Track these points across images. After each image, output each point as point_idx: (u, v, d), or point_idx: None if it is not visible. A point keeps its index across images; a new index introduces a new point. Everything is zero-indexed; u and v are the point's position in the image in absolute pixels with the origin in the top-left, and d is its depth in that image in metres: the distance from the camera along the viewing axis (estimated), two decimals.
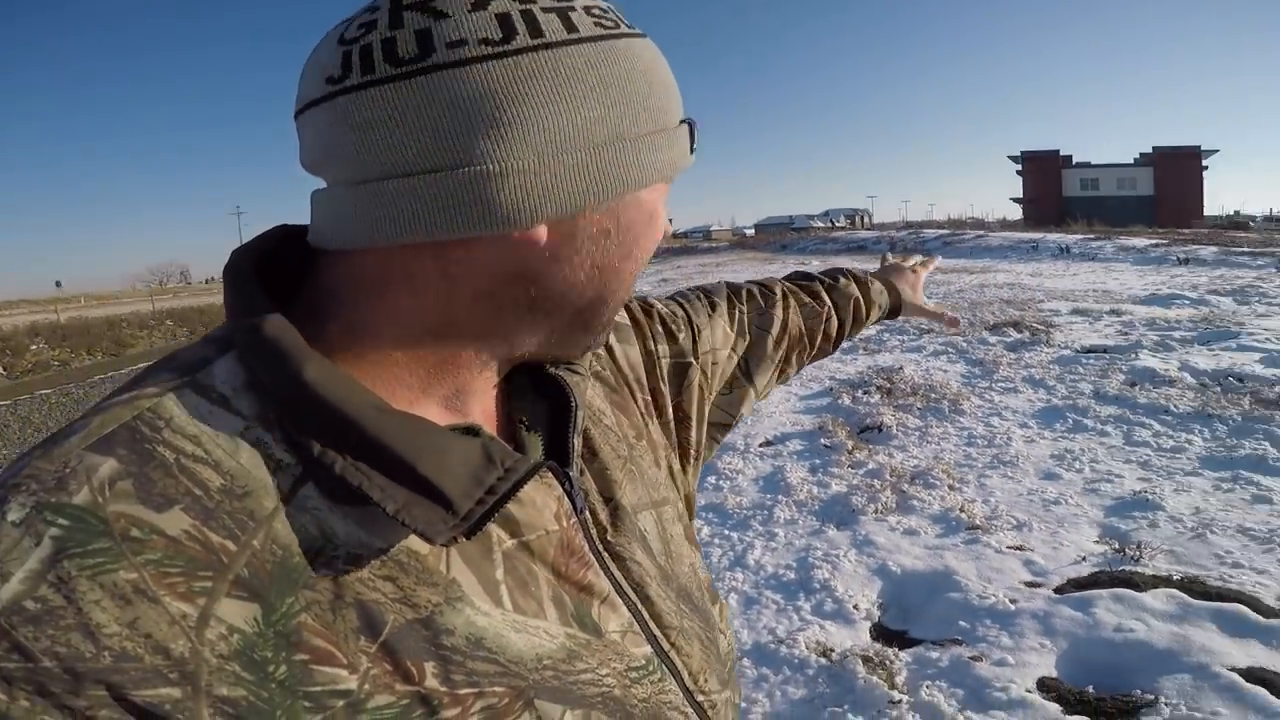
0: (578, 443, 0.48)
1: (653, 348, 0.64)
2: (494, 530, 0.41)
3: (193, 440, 0.35)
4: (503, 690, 0.38)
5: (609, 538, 0.48)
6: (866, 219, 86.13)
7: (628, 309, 0.65)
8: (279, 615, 0.33)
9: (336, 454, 0.35)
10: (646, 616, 0.48)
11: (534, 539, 0.42)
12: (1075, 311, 7.80)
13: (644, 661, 0.46)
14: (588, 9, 0.40)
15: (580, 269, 0.42)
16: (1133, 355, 5.50)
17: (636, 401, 0.59)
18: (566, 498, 0.45)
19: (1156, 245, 15.27)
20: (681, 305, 0.71)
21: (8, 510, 0.31)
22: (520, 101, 0.36)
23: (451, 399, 0.43)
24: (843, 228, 55.53)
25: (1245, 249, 13.68)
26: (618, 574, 0.47)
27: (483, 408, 0.45)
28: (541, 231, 0.39)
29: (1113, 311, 7.63)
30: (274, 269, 0.43)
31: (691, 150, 0.45)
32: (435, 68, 0.35)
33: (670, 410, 0.63)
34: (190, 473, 0.34)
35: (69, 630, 0.29)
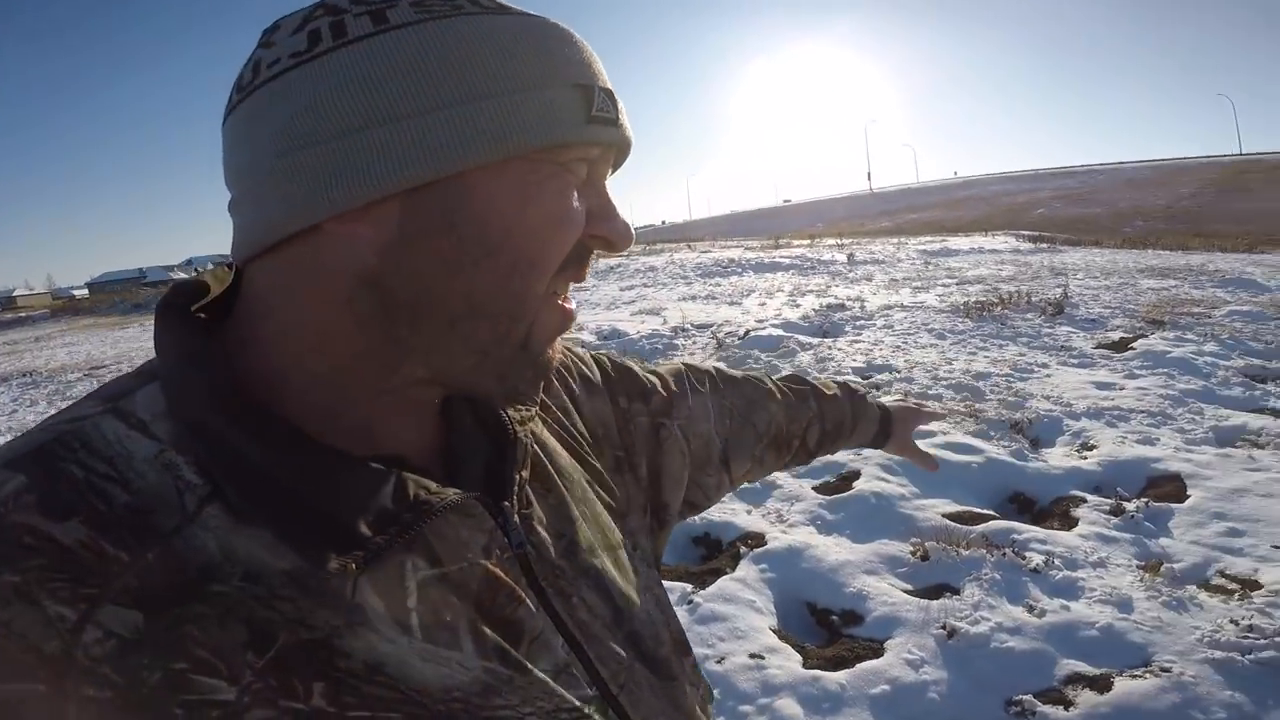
0: (520, 476, 0.48)
1: (625, 405, 0.65)
2: (407, 559, 0.40)
3: (105, 461, 0.37)
4: (398, 716, 0.37)
5: (557, 574, 0.47)
6: None
7: (598, 363, 0.66)
8: (163, 625, 0.34)
9: (236, 482, 0.37)
10: (592, 657, 0.46)
11: (454, 570, 0.42)
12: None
13: (578, 704, 0.43)
14: (416, 3, 0.40)
15: (423, 267, 0.40)
16: None
17: (604, 456, 0.60)
18: (500, 531, 0.44)
19: None
20: (659, 372, 0.71)
21: None
22: (318, 97, 0.38)
23: (365, 426, 0.43)
24: None
25: None
26: (561, 611, 0.46)
27: (411, 439, 0.45)
28: (360, 220, 0.39)
29: None
30: (223, 297, 0.46)
31: (601, 122, 0.42)
32: (258, 86, 0.40)
33: (645, 468, 0.64)
34: (98, 489, 0.36)
35: None
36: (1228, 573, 2.48)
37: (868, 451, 3.47)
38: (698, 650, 2.23)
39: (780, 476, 3.52)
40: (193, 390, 0.38)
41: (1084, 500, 3.11)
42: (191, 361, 0.39)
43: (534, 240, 0.41)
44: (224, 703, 0.34)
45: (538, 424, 0.54)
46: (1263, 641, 2.05)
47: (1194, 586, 2.42)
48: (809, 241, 20.32)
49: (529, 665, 0.42)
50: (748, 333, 6.87)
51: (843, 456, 3.66)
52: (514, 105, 0.39)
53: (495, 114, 0.39)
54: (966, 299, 7.75)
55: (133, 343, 11.96)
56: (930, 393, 4.69)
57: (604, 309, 9.69)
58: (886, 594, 2.45)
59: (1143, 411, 4.03)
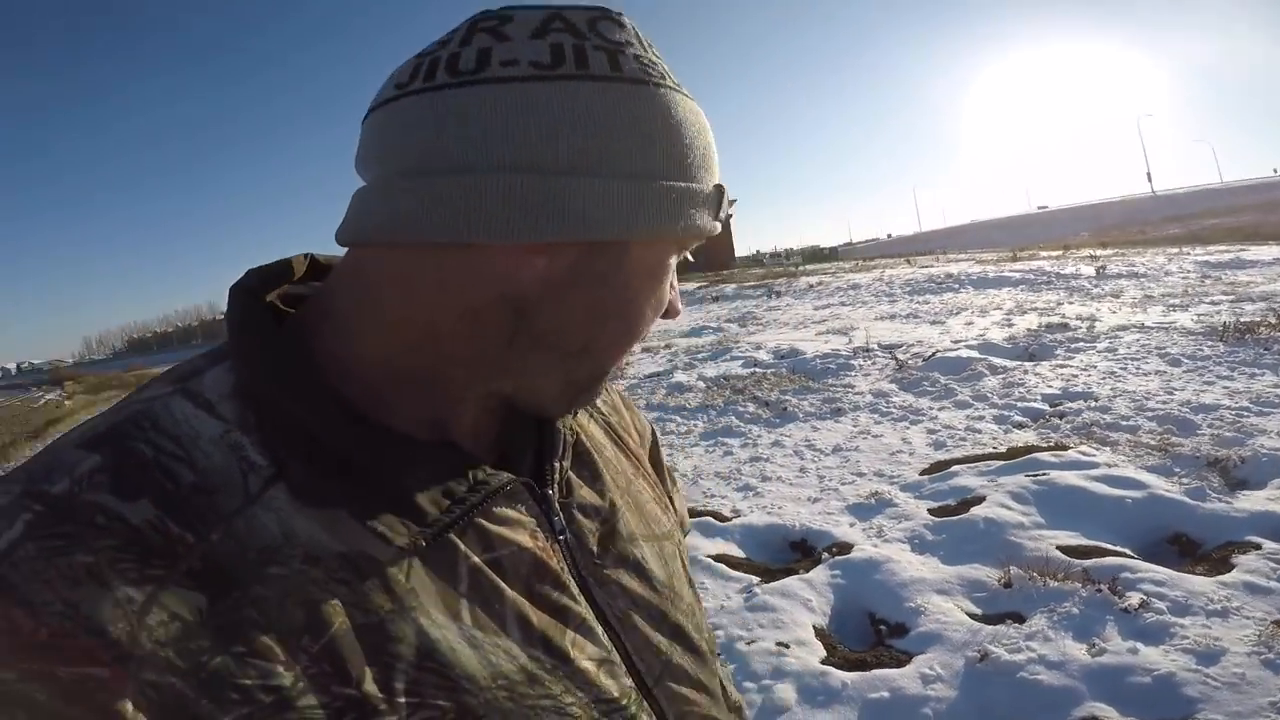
0: (562, 465, 0.48)
1: (659, 458, 0.66)
2: (461, 545, 0.40)
3: (173, 440, 0.37)
4: (446, 704, 0.37)
5: (596, 562, 0.47)
6: None
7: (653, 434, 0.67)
8: (224, 607, 0.34)
9: (304, 461, 0.38)
10: (629, 649, 0.45)
11: (504, 555, 0.41)
12: (644, 350, 8.92)
13: (617, 695, 0.43)
14: (637, 57, 0.41)
15: (572, 309, 0.41)
16: (669, 375, 7.26)
17: (642, 459, 0.60)
18: (545, 518, 0.45)
19: (700, 288, 17.51)
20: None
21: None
22: (551, 122, 0.37)
23: (433, 415, 0.43)
24: None
25: (749, 284, 16.33)
26: (601, 600, 0.46)
27: (468, 428, 0.45)
28: (541, 253, 0.39)
29: (666, 345, 9.25)
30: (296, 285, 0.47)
31: (717, 219, 0.44)
32: (486, 81, 0.38)
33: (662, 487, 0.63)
34: (165, 469, 0.36)
35: (12, 606, 0.31)
36: None
37: (1003, 479, 3.22)
38: (734, 632, 2.33)
39: (898, 495, 3.38)
40: (264, 369, 0.39)
41: (1258, 547, 2.57)
42: (264, 341, 0.40)
43: (649, 309, 0.44)
44: (278, 687, 0.33)
45: (583, 417, 0.55)
46: None
47: None
48: (1060, 252, 17.96)
49: (572, 655, 0.41)
50: (934, 354, 6.43)
51: (973, 481, 3.39)
52: (691, 193, 0.41)
53: (696, 202, 0.42)
54: (1233, 319, 6.43)
55: None
56: (1125, 423, 4.06)
57: (791, 328, 9.64)
58: (946, 614, 2.32)
59: None
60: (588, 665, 0.41)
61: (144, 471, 0.35)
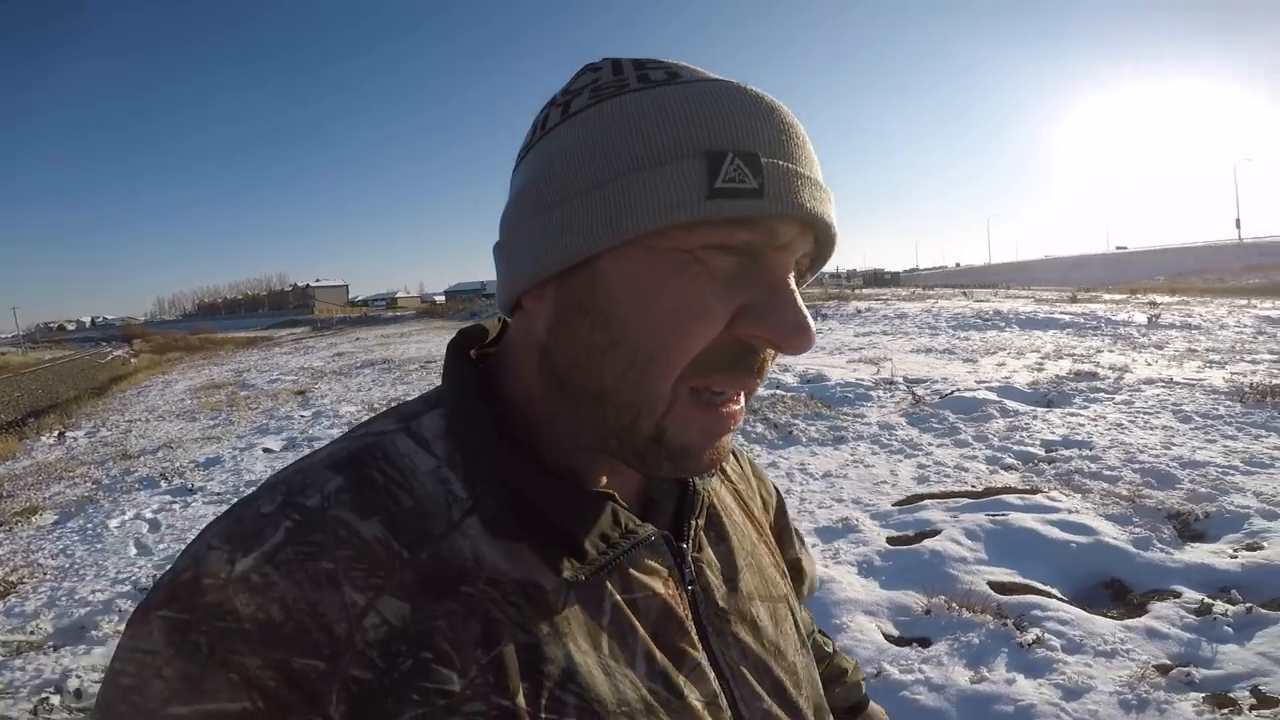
0: (697, 523, 0.51)
1: (785, 523, 0.67)
2: (608, 583, 0.44)
3: (398, 470, 0.43)
4: None
5: (717, 614, 0.49)
6: None
7: (779, 501, 0.68)
8: (423, 616, 0.38)
9: (494, 498, 0.43)
10: (736, 695, 0.47)
11: (640, 598, 0.45)
12: None
13: None
14: (596, 88, 0.43)
15: (570, 349, 0.43)
16: None
17: (764, 525, 0.62)
18: (677, 569, 0.48)
19: None
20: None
21: (262, 504, 0.40)
22: (523, 184, 0.44)
23: (578, 467, 0.46)
24: None
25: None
26: (716, 649, 0.48)
27: (619, 482, 0.49)
28: (534, 299, 0.44)
29: None
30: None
31: (714, 189, 0.37)
32: (514, 169, 0.48)
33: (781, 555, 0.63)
34: (392, 494, 0.41)
35: (272, 602, 0.36)
36: (1262, 689, 2.13)
37: (964, 516, 3.46)
38: None
39: (865, 523, 3.64)
40: (470, 418, 0.45)
41: (1177, 595, 2.76)
42: (469, 395, 0.46)
43: (650, 335, 0.40)
44: (450, 692, 0.37)
45: (717, 482, 0.58)
46: None
47: (1193, 695, 2.16)
48: (1125, 296, 17.45)
49: (685, 692, 0.44)
50: (952, 392, 6.59)
51: (937, 515, 3.63)
52: (623, 187, 0.38)
53: (608, 197, 0.39)
54: (1265, 379, 6.37)
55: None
56: (1108, 473, 4.21)
57: (826, 353, 9.83)
58: (863, 633, 2.59)
59: None
60: (696, 704, 0.44)
61: (376, 494, 0.41)
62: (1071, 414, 5.76)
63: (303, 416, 8.51)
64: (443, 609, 0.38)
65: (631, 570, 0.45)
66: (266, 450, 6.81)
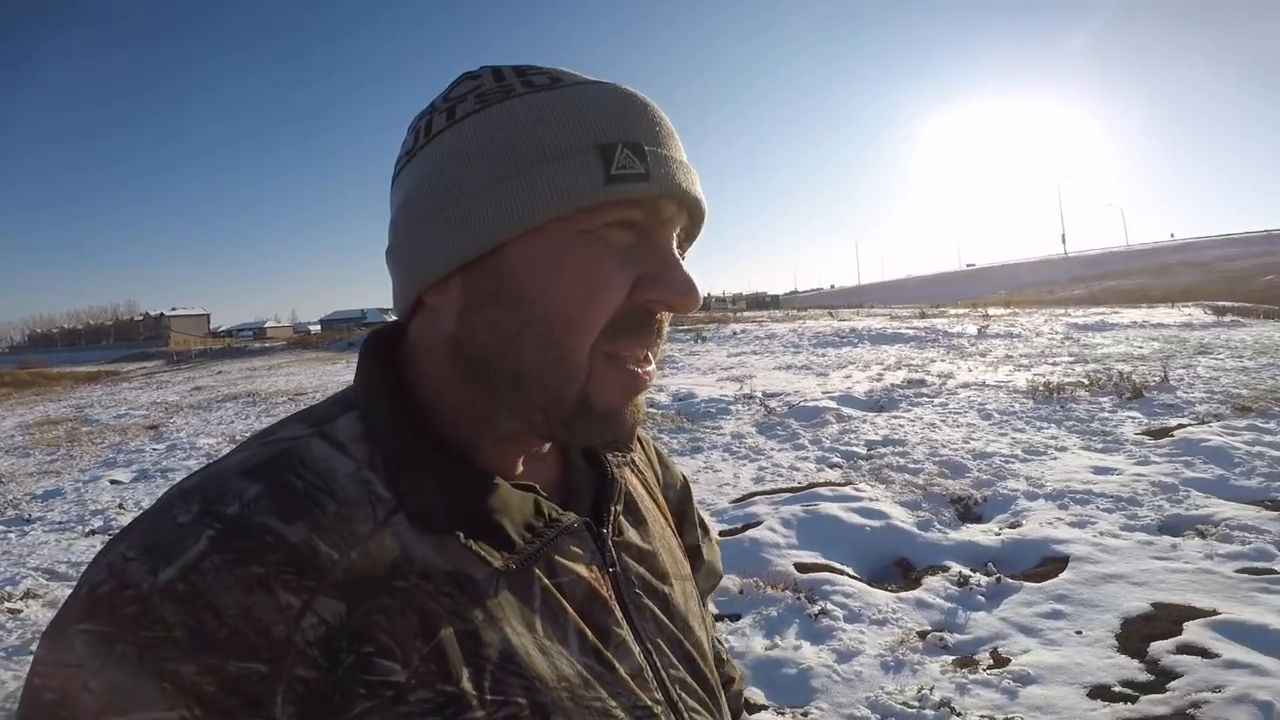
0: (615, 509, 0.54)
1: (688, 509, 0.71)
2: (536, 569, 0.46)
3: (316, 475, 0.43)
4: (524, 702, 0.42)
5: (636, 592, 0.52)
6: None
7: (684, 485, 0.71)
8: (359, 613, 0.39)
9: (419, 495, 0.44)
10: (657, 666, 0.50)
11: (566, 581, 0.47)
12: None
13: (650, 704, 0.48)
14: (480, 94, 0.46)
15: (480, 333, 0.45)
16: None
17: (665, 511, 0.65)
18: (598, 553, 0.50)
19: None
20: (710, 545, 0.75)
21: (177, 513, 0.40)
22: (408, 189, 0.48)
23: (498, 460, 0.49)
24: None
25: (685, 326, 16.93)
26: (637, 625, 0.51)
27: (539, 473, 0.52)
28: (437, 293, 0.47)
29: None
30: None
31: (610, 175, 0.43)
32: (401, 165, 0.50)
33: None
34: (314, 498, 0.42)
35: (202, 609, 0.36)
36: (999, 651, 2.60)
37: (784, 508, 3.88)
38: None
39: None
40: (387, 419, 0.46)
41: (946, 570, 3.26)
42: (385, 395, 0.47)
43: (564, 308, 0.44)
44: (396, 683, 0.38)
45: (630, 471, 0.61)
46: (923, 712, 2.22)
47: (944, 657, 2.60)
48: (967, 310, 19.39)
49: (616, 665, 0.47)
50: (799, 403, 7.19)
51: (762, 509, 4.05)
52: (527, 181, 0.43)
53: (511, 191, 0.43)
54: (1058, 379, 7.41)
55: (333, 376, 14.55)
56: (913, 466, 4.82)
57: (700, 373, 10.34)
58: None
59: (1110, 497, 3.92)
60: (626, 676, 0.47)
61: (298, 499, 0.41)
62: (896, 417, 6.47)
63: (155, 449, 7.97)
64: (378, 604, 0.39)
65: (556, 557, 0.47)
66: (114, 482, 6.39)
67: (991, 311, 18.01)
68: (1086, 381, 7.06)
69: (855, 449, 5.46)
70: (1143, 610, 2.76)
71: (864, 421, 6.33)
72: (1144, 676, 2.37)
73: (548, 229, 0.43)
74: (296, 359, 22.88)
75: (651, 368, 0.48)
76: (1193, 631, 2.57)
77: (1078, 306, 20.54)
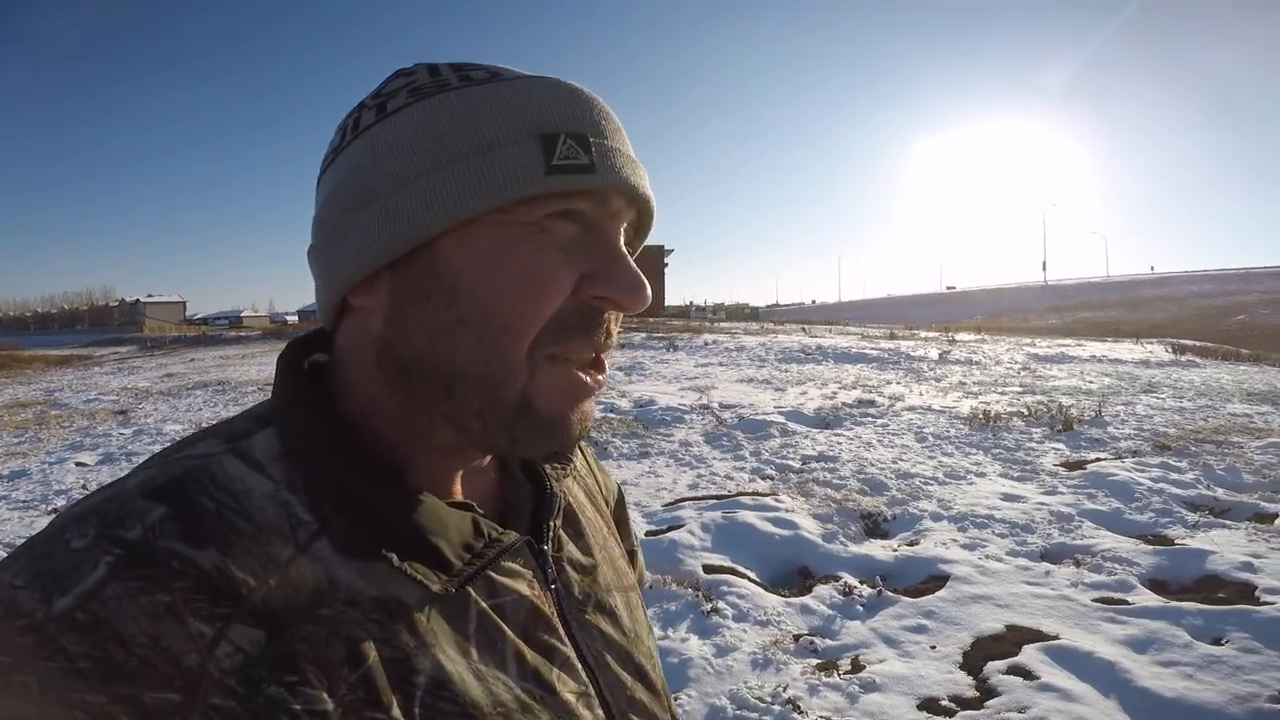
0: (555, 524, 0.53)
1: (623, 515, 0.71)
2: (472, 592, 0.44)
3: (230, 496, 0.41)
4: None
5: (580, 609, 0.52)
6: None
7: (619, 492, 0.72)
8: (280, 641, 0.37)
9: (344, 518, 0.42)
10: (603, 685, 0.49)
11: (506, 602, 0.46)
12: None
13: None
14: (414, 89, 0.44)
15: (413, 333, 0.43)
16: None
17: (609, 519, 0.65)
18: (539, 570, 0.49)
19: (622, 333, 18.97)
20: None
21: (71, 538, 0.38)
22: (331, 189, 0.46)
23: (432, 475, 0.47)
24: None
25: (659, 334, 17.47)
26: (581, 642, 0.50)
27: (475, 489, 0.51)
28: (363, 294, 0.45)
29: None
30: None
31: (551, 166, 0.41)
32: (324, 166, 0.48)
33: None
34: (226, 521, 0.39)
35: (106, 639, 0.34)
36: (859, 658, 2.82)
37: (707, 514, 4.12)
38: None
39: (635, 520, 4.22)
40: (308, 435, 0.43)
41: (838, 580, 3.51)
42: (303, 410, 0.44)
43: (502, 304, 0.41)
44: (323, 713, 0.37)
45: (571, 480, 0.60)
46: (772, 707, 2.44)
47: (810, 659, 2.82)
48: (938, 334, 19.78)
49: (557, 688, 0.46)
50: (750, 416, 7.45)
51: (688, 514, 4.29)
52: (461, 171, 0.41)
53: (444, 182, 0.41)
54: (1000, 409, 7.72)
55: None
56: (837, 481, 5.08)
57: (666, 381, 10.56)
58: None
59: (1008, 523, 4.18)
60: (569, 698, 0.46)
61: (208, 522, 0.39)
62: (837, 435, 6.73)
63: (122, 434, 8.08)
64: (301, 632, 0.38)
65: (496, 576, 0.46)
66: (80, 464, 6.53)
67: (958, 337, 18.39)
68: (1025, 412, 7.36)
69: (790, 462, 5.71)
70: (995, 631, 2.98)
71: (806, 437, 6.59)
72: (970, 694, 2.59)
73: (484, 221, 0.42)
74: (271, 349, 22.85)
75: (603, 375, 0.46)
76: (1028, 654, 2.78)
77: (1047, 336, 21.01)
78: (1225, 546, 3.75)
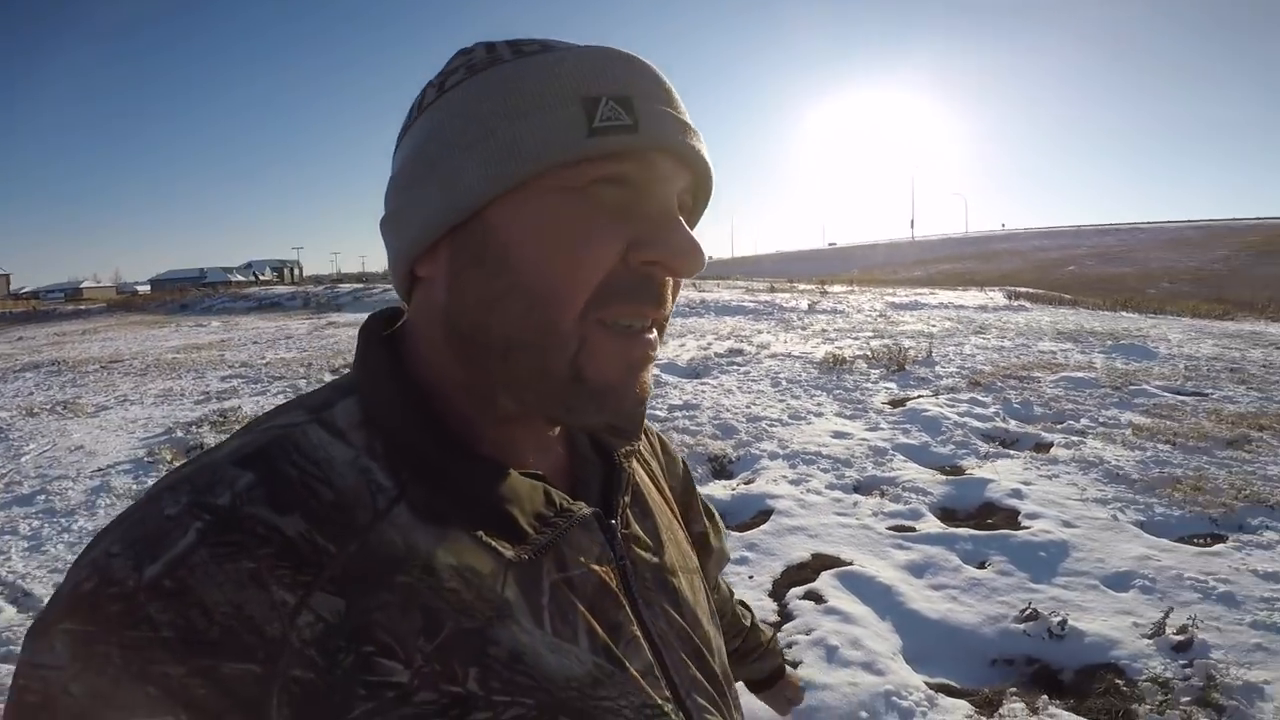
0: (624, 500, 0.54)
1: (691, 498, 0.72)
2: (545, 562, 0.45)
3: (313, 463, 0.42)
4: (531, 703, 0.41)
5: (646, 587, 0.52)
6: (296, 271, 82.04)
7: (685, 466, 0.73)
8: (358, 610, 0.38)
9: (423, 484, 0.43)
10: (667, 664, 0.50)
11: (576, 575, 0.46)
12: None
13: (660, 703, 0.47)
14: (471, 66, 0.46)
15: (469, 304, 0.45)
16: None
17: (671, 501, 0.65)
18: (608, 545, 0.50)
19: None
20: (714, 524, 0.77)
21: (165, 505, 0.38)
22: (401, 162, 0.48)
23: (503, 445, 0.48)
24: (268, 281, 50.59)
25: None
26: (647, 620, 0.50)
27: (546, 461, 0.52)
28: (426, 263, 0.46)
29: None
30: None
31: (593, 128, 0.42)
32: (399, 139, 0.50)
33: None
34: (310, 488, 0.40)
35: (190, 607, 0.34)
36: None
37: None
38: None
39: None
40: (387, 404, 0.44)
41: None
42: (384, 378, 0.45)
43: (548, 271, 0.42)
44: (398, 684, 0.37)
45: (636, 462, 0.59)
46: None
47: None
48: (815, 286, 20.85)
49: (626, 664, 0.46)
50: None
51: None
52: (504, 138, 0.42)
53: (489, 150, 0.42)
54: (851, 353, 8.39)
55: (159, 341, 13.52)
56: (694, 426, 5.45)
57: None
58: None
59: (832, 458, 4.68)
60: (636, 674, 0.46)
61: (293, 489, 0.40)
62: (703, 384, 7.11)
63: None
64: (378, 601, 0.38)
65: (565, 549, 0.46)
66: None
67: (830, 289, 19.48)
68: (870, 355, 8.06)
69: (658, 413, 6.00)
70: (803, 559, 3.30)
71: (675, 388, 6.93)
72: (773, 619, 2.86)
73: (530, 187, 0.42)
74: (118, 322, 20.73)
75: (654, 337, 0.46)
76: (823, 580, 3.08)
77: (912, 287, 22.63)
78: (1004, 475, 4.25)
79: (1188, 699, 2.31)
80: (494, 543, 0.43)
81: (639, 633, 0.49)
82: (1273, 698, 2.28)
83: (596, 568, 0.48)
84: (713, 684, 0.54)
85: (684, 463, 0.72)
